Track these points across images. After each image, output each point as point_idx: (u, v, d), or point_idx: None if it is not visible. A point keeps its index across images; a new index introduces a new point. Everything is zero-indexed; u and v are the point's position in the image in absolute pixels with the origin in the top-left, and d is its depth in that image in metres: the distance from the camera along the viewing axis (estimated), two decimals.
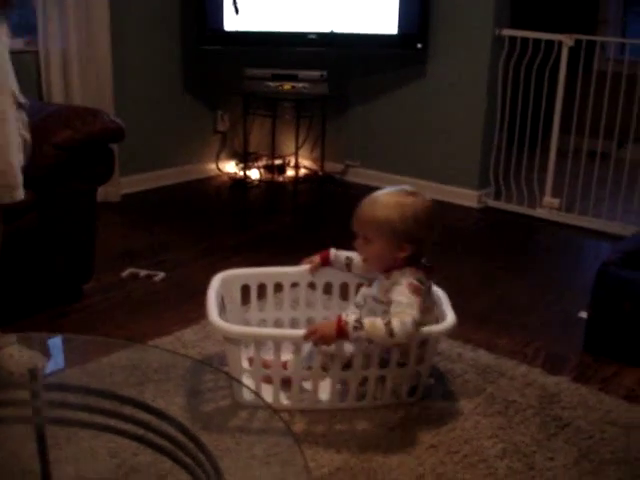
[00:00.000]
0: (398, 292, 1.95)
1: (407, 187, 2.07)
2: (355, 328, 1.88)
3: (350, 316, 1.91)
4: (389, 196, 2.02)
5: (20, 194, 2.03)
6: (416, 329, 1.90)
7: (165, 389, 1.98)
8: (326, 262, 2.26)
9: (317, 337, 1.91)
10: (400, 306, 1.92)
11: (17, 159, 1.99)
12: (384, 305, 1.98)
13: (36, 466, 1.51)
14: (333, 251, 2.26)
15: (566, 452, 1.90)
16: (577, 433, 1.98)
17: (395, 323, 1.87)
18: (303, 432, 1.94)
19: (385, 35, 4.00)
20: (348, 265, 2.23)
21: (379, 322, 1.88)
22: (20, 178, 2.00)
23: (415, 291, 1.95)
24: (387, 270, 2.03)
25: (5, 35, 1.96)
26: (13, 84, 1.99)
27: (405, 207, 1.98)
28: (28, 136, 2.05)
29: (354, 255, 2.19)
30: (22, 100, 2.02)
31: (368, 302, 2.08)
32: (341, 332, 1.89)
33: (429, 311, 2.05)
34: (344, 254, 2.24)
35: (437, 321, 2.07)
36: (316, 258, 2.28)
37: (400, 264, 2.01)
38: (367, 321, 1.89)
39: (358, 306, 2.11)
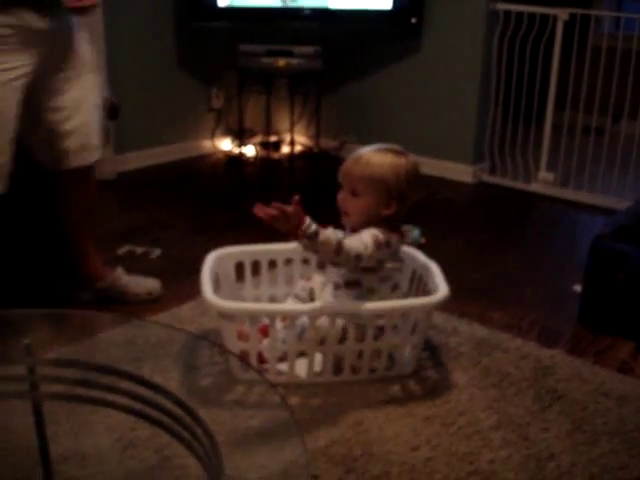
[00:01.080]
0: (362, 233, 2.00)
1: (395, 146, 2.10)
2: (310, 238, 1.84)
3: (312, 225, 1.86)
4: (383, 155, 2.04)
5: (99, 154, 2.38)
6: (356, 264, 1.96)
7: (162, 364, 1.99)
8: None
9: (276, 222, 1.83)
10: (353, 239, 1.97)
11: (97, 121, 2.33)
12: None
13: (34, 441, 1.52)
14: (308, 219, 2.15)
15: (560, 423, 1.92)
16: (571, 405, 2.00)
17: (346, 244, 1.91)
18: (299, 405, 1.96)
19: (379, 10, 3.99)
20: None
21: (333, 238, 1.89)
22: (99, 139, 2.35)
23: (377, 242, 1.99)
24: (364, 227, 2.03)
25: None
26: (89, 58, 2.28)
27: (399, 167, 2.03)
28: (107, 94, 2.43)
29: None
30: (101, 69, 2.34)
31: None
32: (295, 233, 1.84)
33: (388, 276, 2.08)
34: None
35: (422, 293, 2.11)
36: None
37: (378, 221, 2.03)
38: (323, 234, 1.87)
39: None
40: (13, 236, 2.51)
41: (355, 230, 2.06)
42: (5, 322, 1.71)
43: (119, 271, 2.56)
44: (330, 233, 1.91)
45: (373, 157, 2.04)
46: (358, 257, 1.94)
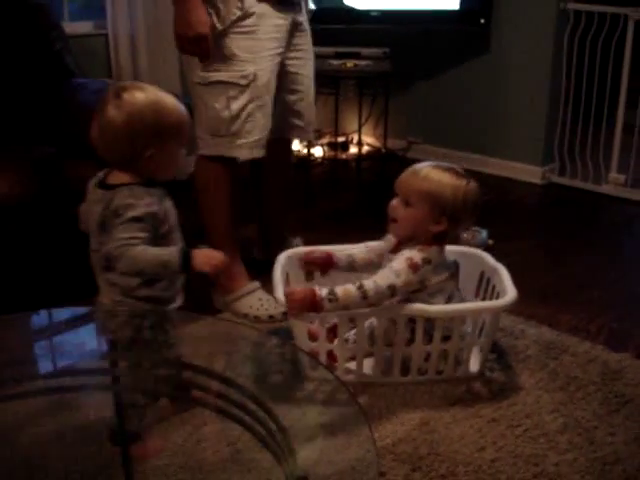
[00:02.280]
0: (394, 261, 2.00)
1: (457, 167, 2.09)
2: (330, 300, 1.90)
3: (323, 290, 1.92)
4: (442, 172, 2.03)
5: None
6: (392, 295, 1.95)
7: (234, 360, 2.05)
8: (328, 266, 2.17)
9: (291, 305, 1.93)
10: (385, 271, 1.97)
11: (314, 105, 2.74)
12: None
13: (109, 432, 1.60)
14: (336, 253, 2.19)
15: (627, 428, 1.92)
16: (639, 409, 1.99)
17: (368, 285, 1.92)
18: (366, 404, 2.00)
19: (447, 10, 3.99)
20: (351, 264, 2.19)
21: (350, 287, 1.92)
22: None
23: (411, 266, 1.98)
24: (409, 240, 2.05)
25: None
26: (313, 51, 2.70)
27: (457, 187, 2.01)
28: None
29: (356, 251, 2.21)
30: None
31: None
32: (314, 307, 1.91)
33: (437, 290, 2.06)
34: (345, 254, 2.21)
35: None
36: (316, 260, 2.17)
37: (425, 239, 2.03)
38: (340, 290, 1.92)
39: None
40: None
41: (400, 240, 2.08)
42: (87, 318, 1.81)
43: (298, 240, 2.84)
44: (348, 287, 1.92)
45: (432, 171, 2.04)
46: (391, 288, 1.94)
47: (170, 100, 1.74)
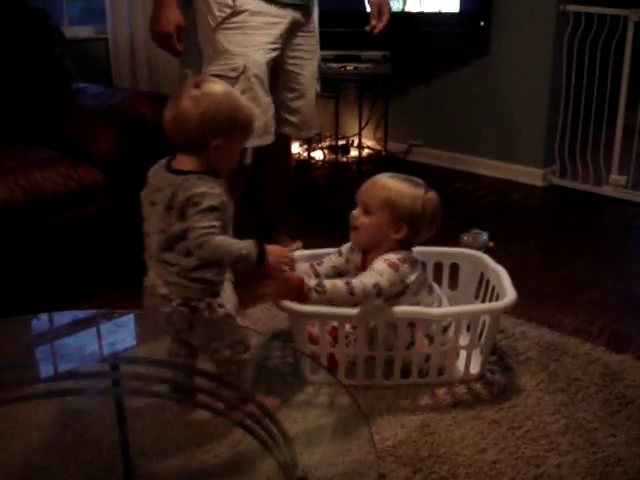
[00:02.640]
0: (374, 264, 2.03)
1: (419, 180, 2.13)
2: (317, 292, 1.90)
3: (311, 281, 1.93)
4: (401, 182, 2.08)
5: (314, 131, 2.98)
6: (378, 294, 1.96)
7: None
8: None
9: (278, 291, 1.92)
10: (370, 271, 2.00)
11: (314, 106, 2.80)
12: None
13: (115, 435, 1.60)
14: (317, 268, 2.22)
15: (628, 429, 1.92)
16: None
17: (356, 282, 1.94)
18: (367, 407, 2.00)
19: (448, 13, 3.99)
20: (315, 271, 2.20)
21: (338, 282, 1.94)
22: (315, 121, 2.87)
23: (391, 265, 2.01)
24: (370, 247, 2.09)
25: None
26: (319, 52, 2.79)
27: (416, 196, 2.06)
28: (319, 88, 2.82)
29: (334, 260, 2.23)
30: (320, 64, 2.80)
31: None
32: (300, 297, 1.90)
33: (418, 286, 2.09)
34: (327, 266, 2.23)
35: (440, 304, 2.14)
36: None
37: (386, 246, 2.06)
38: (328, 283, 1.93)
39: None
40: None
41: (362, 247, 2.12)
42: (88, 321, 1.81)
43: (298, 244, 2.91)
44: (336, 281, 1.95)
45: (390, 180, 2.09)
46: (376, 286, 1.96)
47: (241, 97, 1.86)
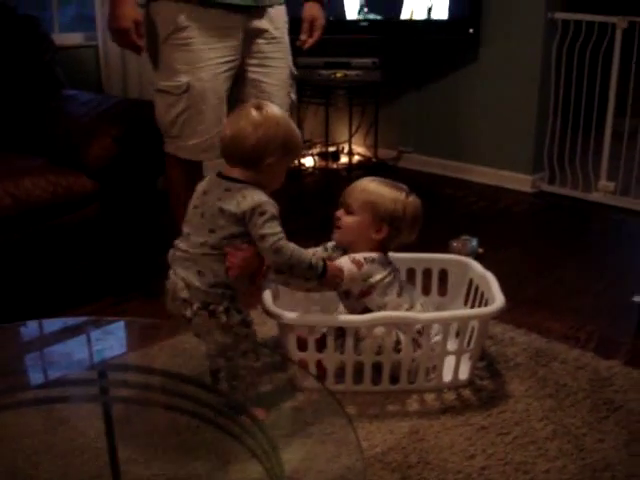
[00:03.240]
0: (342, 259, 2.11)
1: (399, 183, 2.22)
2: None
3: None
4: (383, 185, 2.18)
5: None
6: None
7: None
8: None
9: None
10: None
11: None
12: None
13: (103, 443, 1.60)
14: None
15: (616, 434, 1.92)
16: (628, 416, 2.00)
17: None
18: (357, 413, 2.01)
19: (437, 20, 4.01)
20: None
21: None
22: None
23: (354, 262, 2.10)
24: (352, 245, 2.16)
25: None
26: (290, 60, 2.69)
27: (397, 198, 2.15)
28: (294, 98, 2.75)
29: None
30: (294, 72, 2.71)
31: None
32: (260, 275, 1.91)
33: (385, 287, 2.13)
34: None
35: (411, 307, 2.16)
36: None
37: (366, 246, 2.14)
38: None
39: None
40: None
41: (344, 245, 2.19)
42: (77, 329, 1.81)
43: None
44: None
45: (372, 184, 2.19)
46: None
47: (293, 123, 1.96)
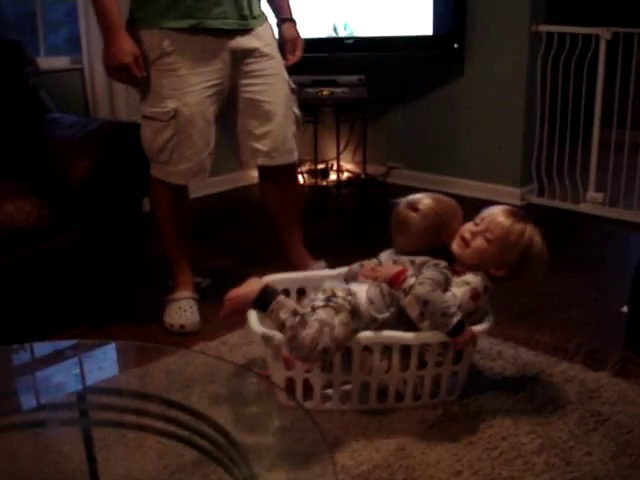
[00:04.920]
0: (459, 290, 2.02)
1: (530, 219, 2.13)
2: (404, 290, 1.97)
3: (409, 279, 1.97)
4: (529, 227, 2.08)
5: (296, 156, 2.80)
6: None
7: (210, 392, 2.04)
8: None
9: (376, 275, 2.05)
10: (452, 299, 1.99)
11: (290, 130, 2.73)
12: None
13: (85, 467, 1.59)
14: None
15: (604, 447, 1.91)
16: (616, 428, 1.99)
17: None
18: (343, 431, 2.00)
19: (421, 36, 4.03)
20: None
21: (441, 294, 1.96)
22: (295, 144, 2.76)
23: (473, 297, 2.02)
24: (466, 267, 2.09)
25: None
26: (286, 75, 2.71)
27: (543, 254, 2.10)
28: (298, 112, 2.78)
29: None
30: (293, 86, 2.74)
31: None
32: (396, 281, 1.99)
33: (484, 313, 2.11)
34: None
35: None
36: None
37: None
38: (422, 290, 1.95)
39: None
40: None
41: (457, 258, 2.10)
42: (56, 351, 1.80)
43: (322, 263, 2.91)
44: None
45: (519, 224, 2.07)
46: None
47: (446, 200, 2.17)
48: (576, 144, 3.92)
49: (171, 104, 2.47)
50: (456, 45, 3.97)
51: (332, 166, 4.59)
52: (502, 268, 2.06)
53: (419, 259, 2.07)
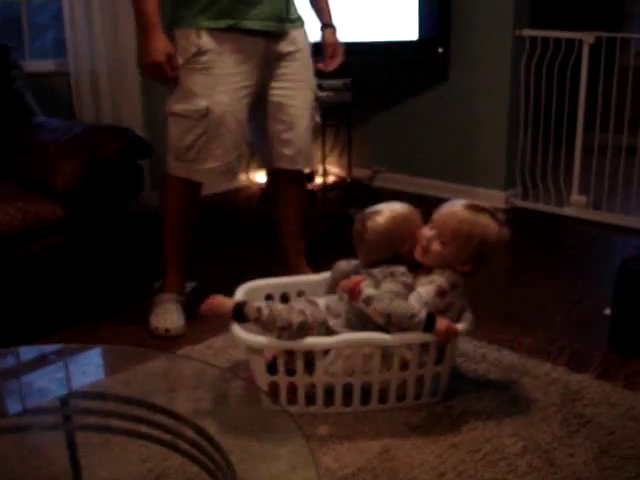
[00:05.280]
0: (425, 288, 2.05)
1: (489, 208, 2.16)
2: (365, 301, 2.00)
3: (366, 290, 2.02)
4: (485, 217, 2.10)
5: (314, 164, 3.02)
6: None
7: (194, 396, 2.04)
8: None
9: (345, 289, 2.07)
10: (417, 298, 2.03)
11: (312, 137, 2.76)
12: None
13: (69, 471, 1.59)
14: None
15: (587, 448, 1.93)
16: (598, 429, 2.01)
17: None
18: (328, 434, 2.00)
19: (406, 41, 4.04)
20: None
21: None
22: (315, 152, 2.84)
23: (438, 293, 2.05)
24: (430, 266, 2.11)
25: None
26: (313, 82, 2.76)
27: (500, 237, 2.11)
28: (319, 120, 2.83)
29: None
30: (318, 94, 2.79)
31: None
32: (353, 294, 2.03)
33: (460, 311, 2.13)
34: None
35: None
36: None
37: (449, 269, 2.10)
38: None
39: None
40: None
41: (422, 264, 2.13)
42: (40, 355, 1.79)
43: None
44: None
45: (468, 213, 2.09)
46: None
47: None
48: (560, 148, 3.95)
49: (203, 102, 2.48)
50: (440, 49, 4.00)
51: (317, 170, 4.59)
52: (466, 264, 2.09)
53: (376, 270, 2.10)
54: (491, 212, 2.13)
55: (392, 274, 2.07)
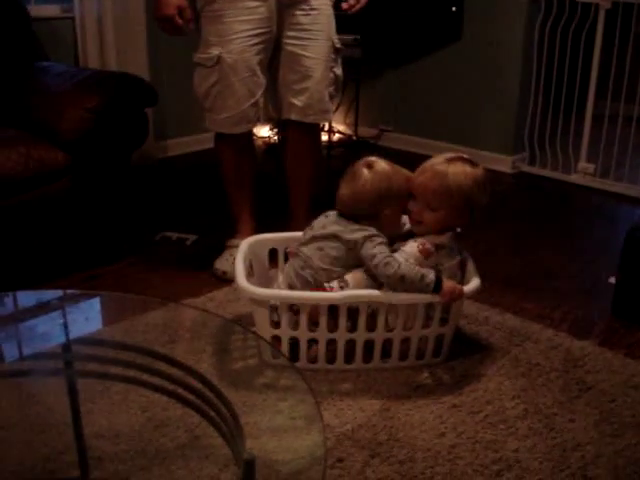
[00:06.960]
0: (408, 245, 2.08)
1: (461, 154, 2.16)
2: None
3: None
4: (455, 166, 2.09)
5: (329, 117, 2.82)
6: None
7: (196, 347, 2.04)
8: None
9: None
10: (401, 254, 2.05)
11: (327, 90, 2.68)
12: None
13: (69, 418, 1.58)
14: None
15: (587, 414, 1.92)
16: (599, 396, 2.00)
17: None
18: (328, 390, 2.00)
19: None
20: None
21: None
22: (331, 105, 2.74)
23: (422, 252, 2.06)
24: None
25: None
26: (333, 33, 2.70)
27: (473, 177, 2.09)
28: (340, 73, 2.74)
29: None
30: (338, 46, 2.72)
31: None
32: None
33: (452, 273, 2.11)
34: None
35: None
36: None
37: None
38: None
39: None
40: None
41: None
42: (43, 301, 1.78)
43: None
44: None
45: (446, 169, 2.08)
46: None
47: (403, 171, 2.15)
48: (570, 114, 3.90)
49: (215, 51, 2.48)
50: (454, 8, 3.93)
51: (323, 127, 4.54)
52: (462, 217, 2.11)
53: (351, 227, 2.09)
54: (459, 157, 2.13)
55: (370, 239, 2.05)
